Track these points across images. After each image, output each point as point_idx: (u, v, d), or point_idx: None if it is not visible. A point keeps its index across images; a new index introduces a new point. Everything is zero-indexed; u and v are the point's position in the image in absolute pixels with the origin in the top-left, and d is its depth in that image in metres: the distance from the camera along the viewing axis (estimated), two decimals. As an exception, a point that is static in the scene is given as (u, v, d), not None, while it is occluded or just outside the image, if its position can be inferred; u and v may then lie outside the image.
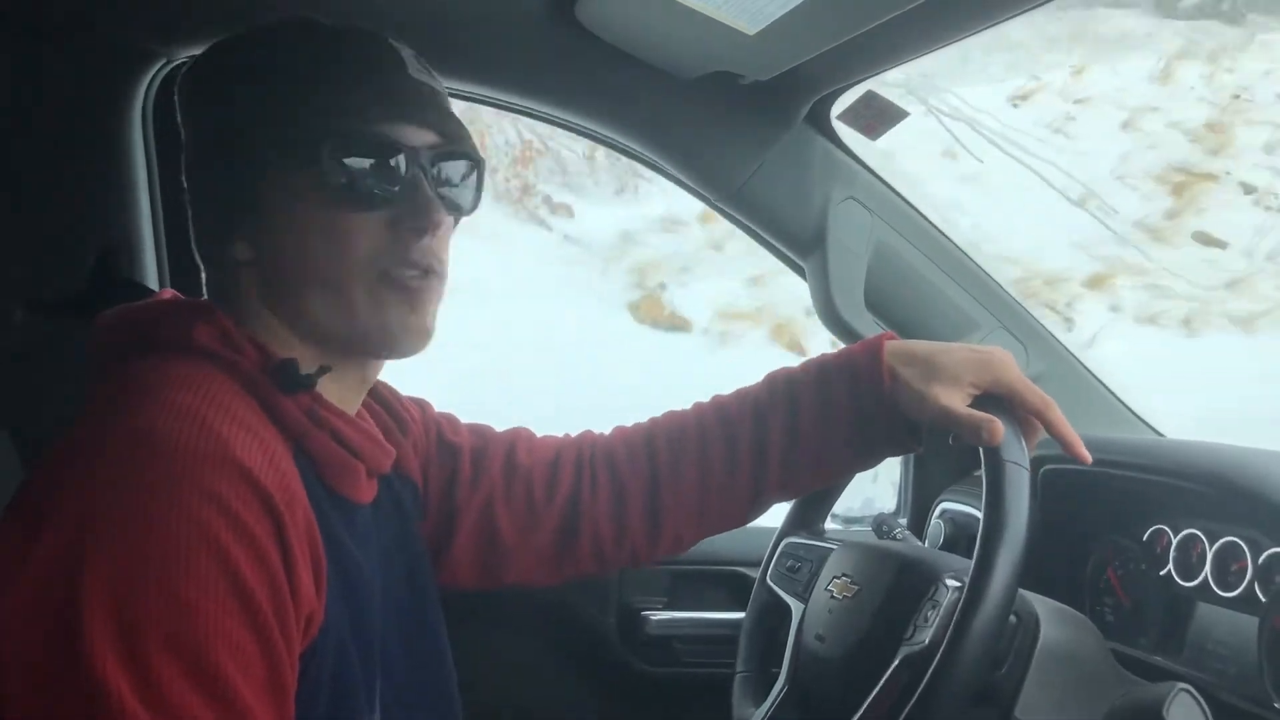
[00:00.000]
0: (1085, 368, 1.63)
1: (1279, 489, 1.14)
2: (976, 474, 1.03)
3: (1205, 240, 7.12)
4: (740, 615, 1.38)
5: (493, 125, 6.44)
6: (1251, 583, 1.16)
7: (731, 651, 1.36)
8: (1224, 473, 1.21)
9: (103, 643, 0.68)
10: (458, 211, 0.93)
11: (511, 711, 1.67)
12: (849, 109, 1.52)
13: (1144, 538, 1.32)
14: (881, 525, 1.51)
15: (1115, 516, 1.37)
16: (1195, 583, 1.23)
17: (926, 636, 1.02)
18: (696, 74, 1.46)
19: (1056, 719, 1.02)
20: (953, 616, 0.95)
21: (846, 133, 1.55)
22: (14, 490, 0.78)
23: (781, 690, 1.22)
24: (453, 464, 1.10)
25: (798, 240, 1.57)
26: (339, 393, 0.90)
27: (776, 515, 1.38)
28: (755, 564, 1.40)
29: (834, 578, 1.22)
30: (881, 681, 1.02)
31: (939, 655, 0.94)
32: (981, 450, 1.00)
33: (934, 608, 1.05)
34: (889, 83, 1.52)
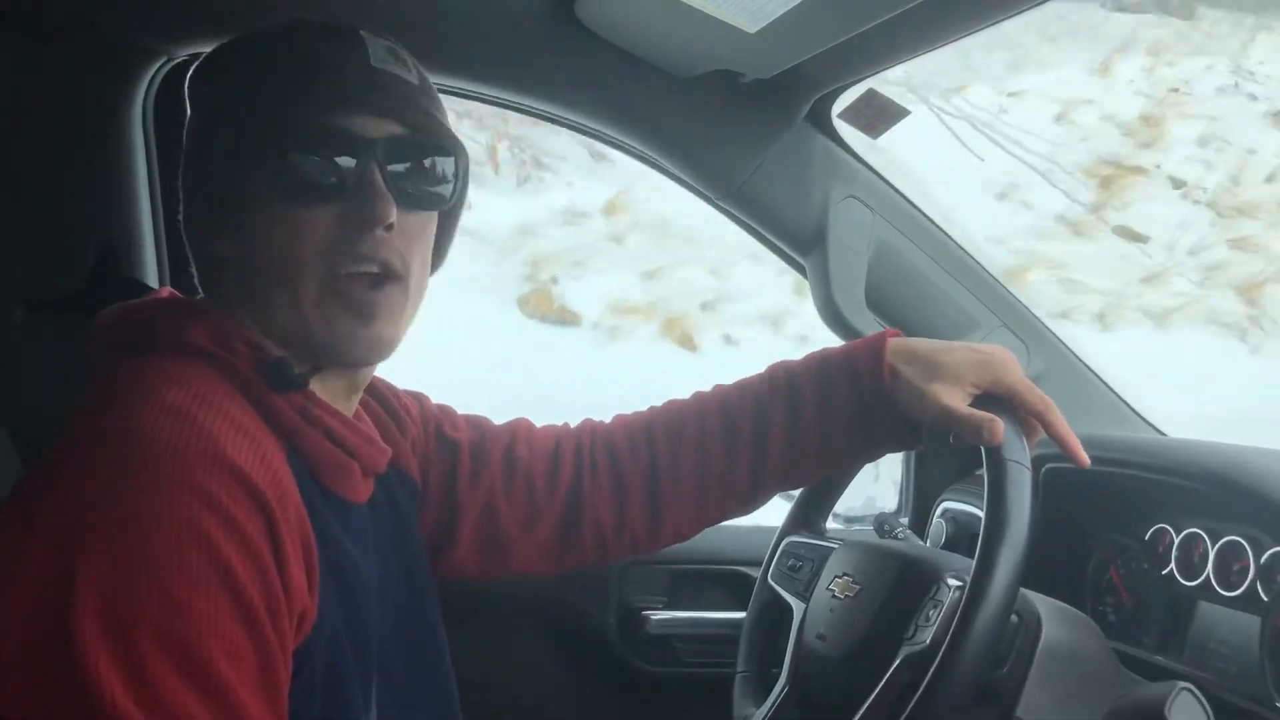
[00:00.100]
0: (1087, 366, 1.63)
1: (1281, 488, 1.14)
2: (978, 473, 1.03)
3: (1127, 234, 7.10)
4: (741, 615, 1.38)
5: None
6: (1253, 582, 1.15)
7: (732, 651, 1.36)
8: (1226, 472, 1.21)
9: (95, 641, 0.68)
10: (421, 206, 0.89)
11: (511, 711, 1.67)
12: (850, 107, 1.52)
13: (1146, 537, 1.32)
14: (883, 524, 1.50)
15: (1117, 516, 1.36)
16: (1197, 582, 1.23)
17: (928, 636, 1.02)
18: (697, 72, 1.46)
19: (1058, 718, 1.02)
20: (954, 616, 0.95)
21: (847, 131, 1.55)
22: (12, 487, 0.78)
23: (782, 690, 1.22)
24: (452, 460, 1.10)
25: (798, 239, 1.57)
26: (330, 394, 0.90)
27: (778, 514, 1.38)
28: (756, 563, 1.40)
29: (835, 577, 1.22)
30: (883, 681, 1.02)
31: (940, 654, 0.94)
32: (983, 449, 1.00)
33: (935, 607, 1.05)
34: (890, 81, 1.52)
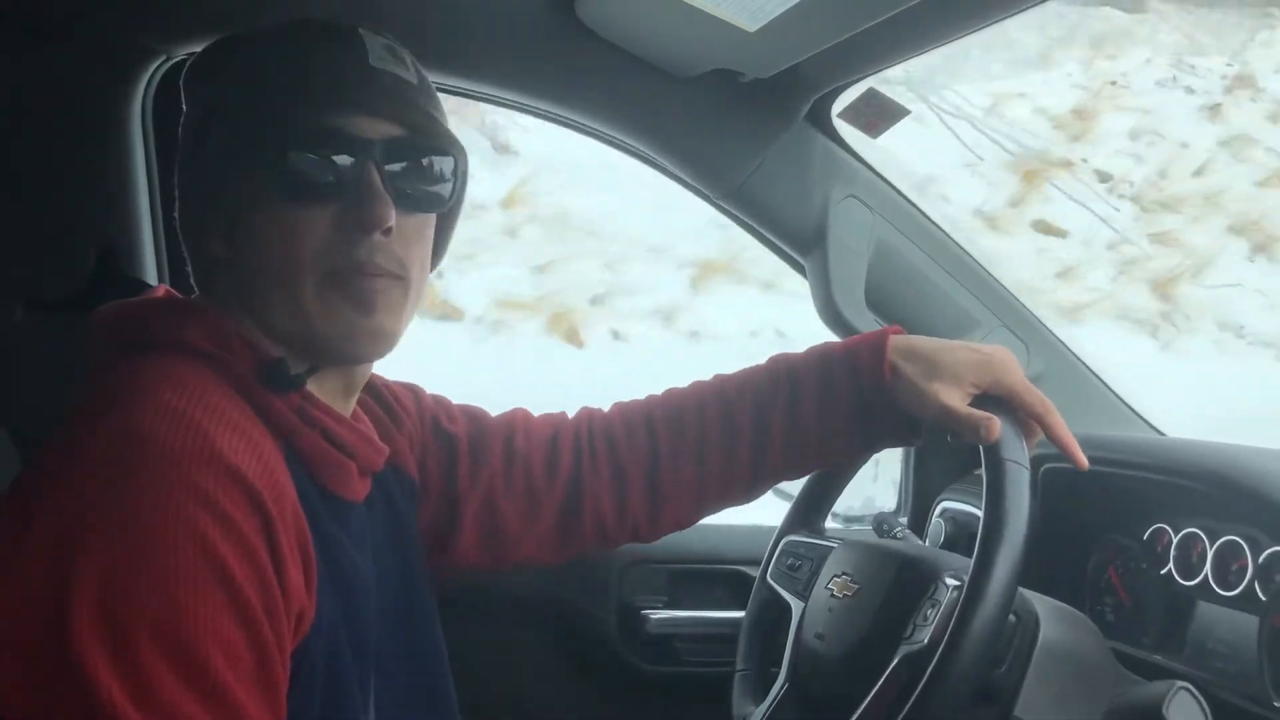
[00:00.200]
0: (1086, 366, 1.63)
1: (1279, 488, 1.14)
2: (977, 473, 1.03)
3: (1045, 229, 7.07)
4: (740, 614, 1.38)
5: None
6: (1252, 581, 1.15)
7: (731, 650, 1.36)
8: (1224, 472, 1.21)
9: (92, 640, 0.68)
10: (421, 208, 0.89)
11: (510, 710, 1.67)
12: (850, 107, 1.52)
13: (1144, 536, 1.32)
14: (882, 524, 1.50)
15: (1116, 515, 1.36)
16: (1195, 581, 1.23)
17: (926, 635, 1.02)
18: (697, 71, 1.46)
19: (1057, 718, 1.02)
20: (953, 615, 0.95)
21: (847, 130, 1.55)
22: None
23: (781, 689, 1.22)
24: (451, 455, 1.10)
25: (798, 238, 1.57)
26: (327, 393, 0.90)
27: (777, 514, 1.39)
28: (755, 562, 1.40)
29: (834, 576, 1.22)
30: (881, 680, 1.02)
31: (939, 654, 0.94)
32: (982, 449, 1.00)
33: (934, 606, 1.05)
34: (890, 80, 1.52)
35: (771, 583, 1.33)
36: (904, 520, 1.70)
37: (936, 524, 1.62)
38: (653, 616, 1.70)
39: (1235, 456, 1.23)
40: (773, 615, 1.33)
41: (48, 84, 1.40)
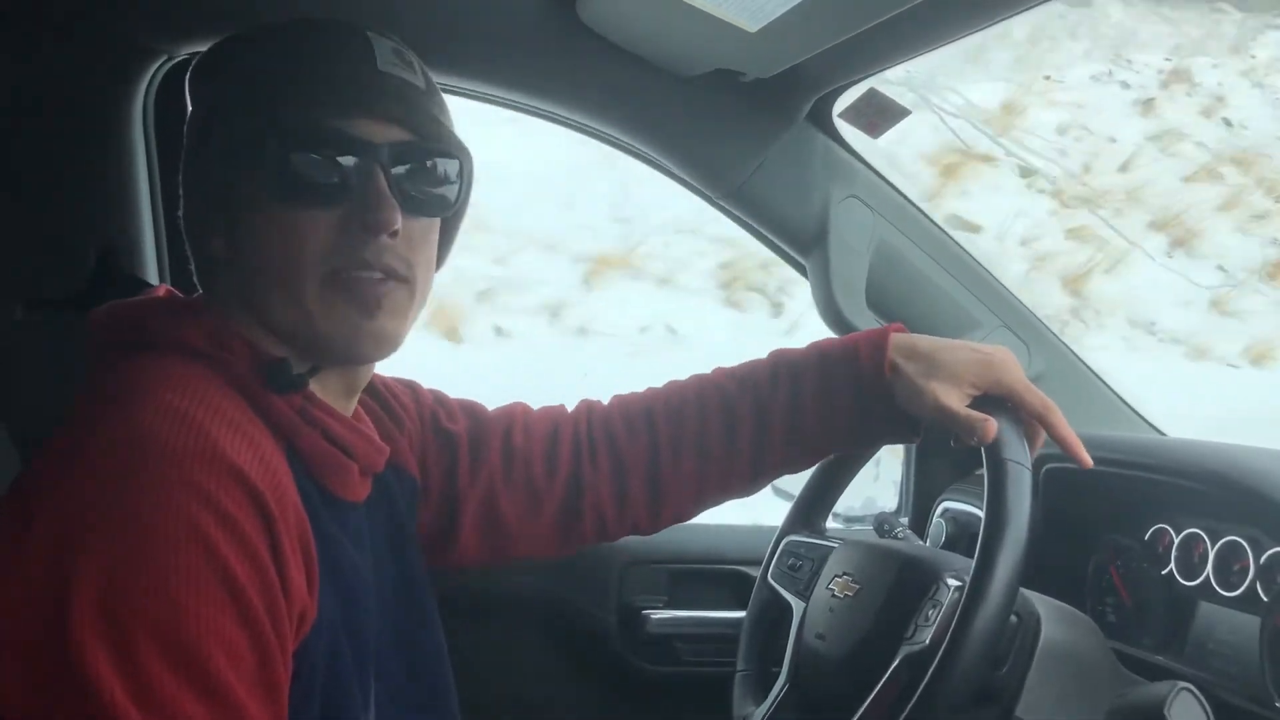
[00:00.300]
0: (1087, 367, 1.63)
1: (1281, 488, 1.14)
2: (978, 473, 1.03)
3: (958, 224, 6.95)
4: (741, 614, 1.38)
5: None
6: (1253, 582, 1.15)
7: (732, 650, 1.36)
8: (1226, 472, 1.21)
9: (94, 640, 0.68)
10: (427, 211, 0.89)
11: (511, 710, 1.67)
12: (851, 107, 1.52)
13: (1146, 537, 1.32)
14: (883, 524, 1.50)
15: (1117, 516, 1.36)
16: (1197, 582, 1.23)
17: (927, 636, 1.02)
18: (698, 71, 1.46)
19: (1058, 718, 1.02)
20: (954, 615, 0.95)
21: (848, 130, 1.55)
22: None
23: (782, 689, 1.22)
24: (451, 453, 1.10)
25: (799, 238, 1.56)
26: (329, 394, 0.90)
27: (777, 513, 1.38)
28: (756, 563, 1.39)
29: (835, 576, 1.22)
30: (882, 681, 1.02)
31: (940, 654, 0.94)
32: (983, 449, 1.00)
33: (935, 607, 1.05)
34: (890, 80, 1.52)
35: (772, 583, 1.33)
36: (905, 520, 1.70)
37: (937, 524, 1.62)
38: (653, 616, 1.70)
39: (1236, 457, 1.23)
40: (773, 615, 1.33)
41: (48, 83, 1.40)
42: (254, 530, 0.74)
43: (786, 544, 1.34)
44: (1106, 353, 6.40)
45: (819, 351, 1.12)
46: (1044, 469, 1.38)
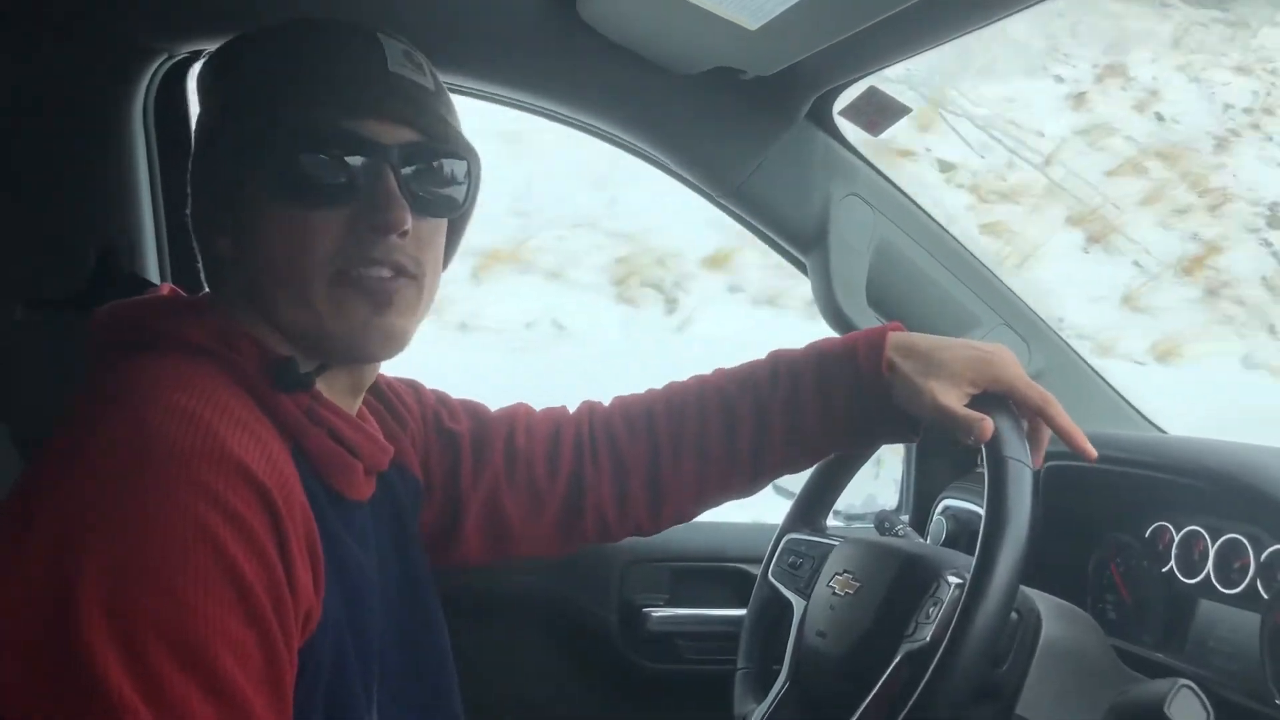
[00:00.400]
0: (1088, 364, 1.63)
1: (1281, 485, 1.14)
2: (979, 471, 1.03)
3: None
4: (742, 612, 1.38)
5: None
6: (1253, 580, 1.15)
7: (733, 648, 1.36)
8: (1226, 470, 1.21)
9: (101, 639, 0.68)
10: (436, 212, 0.89)
11: (513, 708, 1.67)
12: (851, 105, 1.52)
13: (1146, 534, 1.32)
14: (883, 522, 1.50)
15: (1117, 513, 1.36)
16: (1197, 580, 1.23)
17: (928, 633, 1.02)
18: (698, 69, 1.46)
19: (1058, 716, 1.02)
20: (955, 613, 0.95)
21: (848, 129, 1.55)
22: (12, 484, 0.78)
23: (783, 687, 1.22)
24: (454, 453, 1.10)
25: (799, 237, 1.56)
26: (335, 393, 0.90)
27: (778, 511, 1.39)
28: (757, 561, 1.40)
29: (835, 574, 1.22)
30: (883, 678, 1.02)
31: (940, 652, 0.94)
32: (983, 447, 1.00)
33: (935, 604, 1.05)
34: (890, 78, 1.52)
35: (773, 581, 1.33)
36: (905, 518, 1.70)
37: (938, 522, 1.62)
38: (654, 615, 1.70)
39: (1237, 454, 1.23)
40: (774, 613, 1.33)
41: (49, 83, 1.39)
42: (262, 529, 0.74)
43: (787, 542, 1.34)
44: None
45: (818, 351, 1.12)
46: (1044, 466, 1.38)
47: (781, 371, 1.12)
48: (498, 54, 1.46)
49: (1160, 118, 7.55)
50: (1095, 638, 1.09)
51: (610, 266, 6.16)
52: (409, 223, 0.85)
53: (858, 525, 1.70)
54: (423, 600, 1.00)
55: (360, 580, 0.87)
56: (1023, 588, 1.01)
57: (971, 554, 0.98)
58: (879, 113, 1.51)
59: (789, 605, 1.28)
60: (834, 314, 1.55)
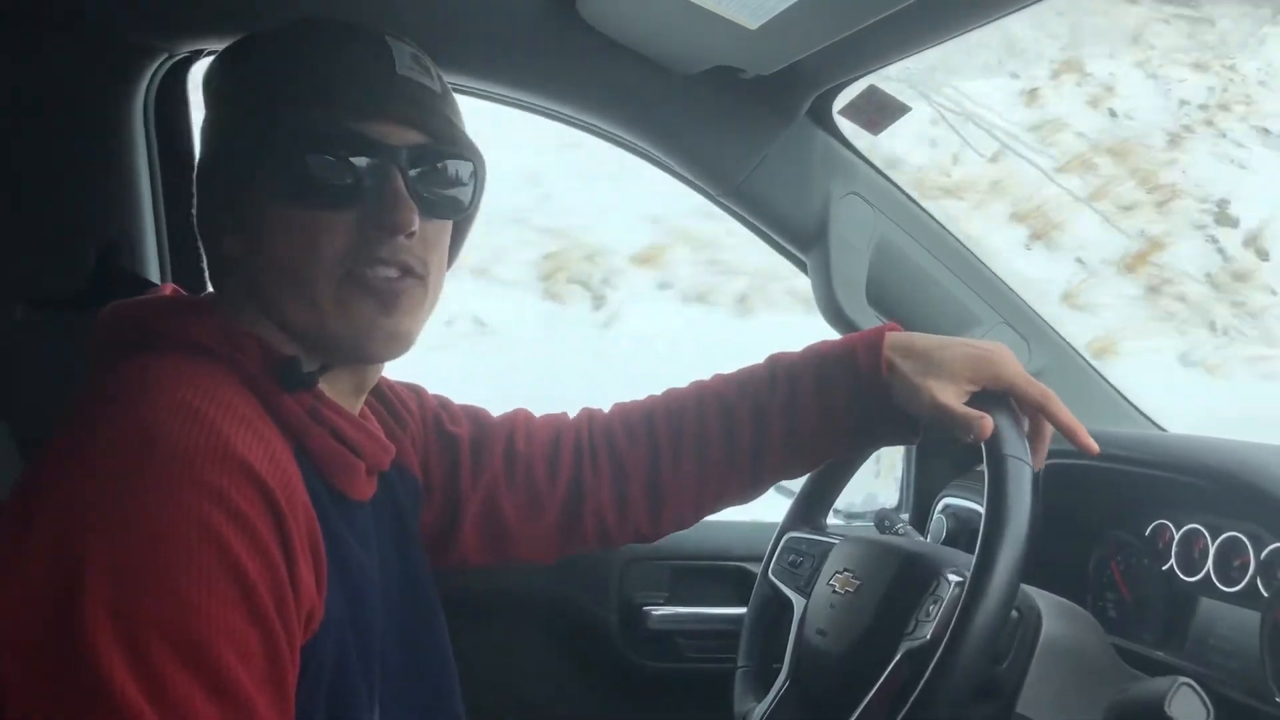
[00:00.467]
0: (1088, 363, 1.63)
1: (1281, 484, 1.14)
2: (979, 469, 1.03)
3: None
4: (742, 610, 1.38)
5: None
6: (1254, 578, 1.15)
7: (733, 646, 1.36)
8: (1226, 468, 1.21)
9: (104, 636, 0.68)
10: (442, 213, 0.90)
11: (513, 707, 1.67)
12: (851, 104, 1.52)
13: (1146, 533, 1.32)
14: (883, 520, 1.51)
15: (1117, 511, 1.37)
16: (1197, 578, 1.23)
17: (928, 631, 1.02)
18: (698, 69, 1.46)
19: (1058, 714, 1.02)
20: (955, 611, 0.95)
21: (849, 127, 1.55)
22: (13, 484, 0.78)
23: (783, 685, 1.23)
24: (453, 455, 1.10)
25: (799, 235, 1.57)
26: (338, 393, 0.90)
27: (778, 509, 1.39)
28: (757, 559, 1.40)
29: (836, 572, 1.22)
30: (883, 676, 1.02)
31: (940, 650, 0.95)
32: (983, 445, 1.00)
33: (935, 603, 1.05)
34: (891, 77, 1.52)
35: (773, 579, 1.33)
36: (906, 516, 1.70)
37: (938, 520, 1.62)
38: (654, 613, 1.70)
39: (1237, 453, 1.23)
40: (774, 612, 1.33)
41: (49, 82, 1.39)
42: (265, 528, 0.74)
43: (787, 540, 1.34)
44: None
45: (816, 354, 1.12)
46: (1044, 464, 1.38)
47: (780, 374, 1.12)
48: (498, 53, 1.46)
49: (1114, 114, 7.52)
50: (1095, 636, 1.09)
51: (538, 263, 6.15)
52: (417, 224, 0.86)
53: (858, 524, 1.70)
54: (424, 600, 1.00)
55: (362, 580, 0.88)
56: (1023, 586, 1.01)
57: (972, 552, 0.98)
58: (879, 111, 1.51)
59: (789, 603, 1.28)
60: (834, 313, 1.55)
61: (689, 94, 1.49)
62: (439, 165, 0.88)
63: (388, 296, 0.86)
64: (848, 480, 1.35)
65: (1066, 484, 1.37)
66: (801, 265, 1.61)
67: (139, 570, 0.70)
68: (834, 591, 1.20)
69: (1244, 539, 1.18)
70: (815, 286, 1.57)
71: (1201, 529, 1.24)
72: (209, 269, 0.92)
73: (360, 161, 0.84)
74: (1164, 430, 1.61)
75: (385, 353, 0.89)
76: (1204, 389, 5.88)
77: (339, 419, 0.88)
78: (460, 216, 0.93)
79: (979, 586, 0.94)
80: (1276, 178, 7.28)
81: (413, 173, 0.86)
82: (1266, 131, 7.54)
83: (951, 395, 1.02)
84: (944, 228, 1.59)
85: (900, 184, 1.59)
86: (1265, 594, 1.13)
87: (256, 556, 0.74)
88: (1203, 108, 7.61)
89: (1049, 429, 1.06)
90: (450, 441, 1.11)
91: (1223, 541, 1.20)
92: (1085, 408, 1.52)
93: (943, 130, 7.14)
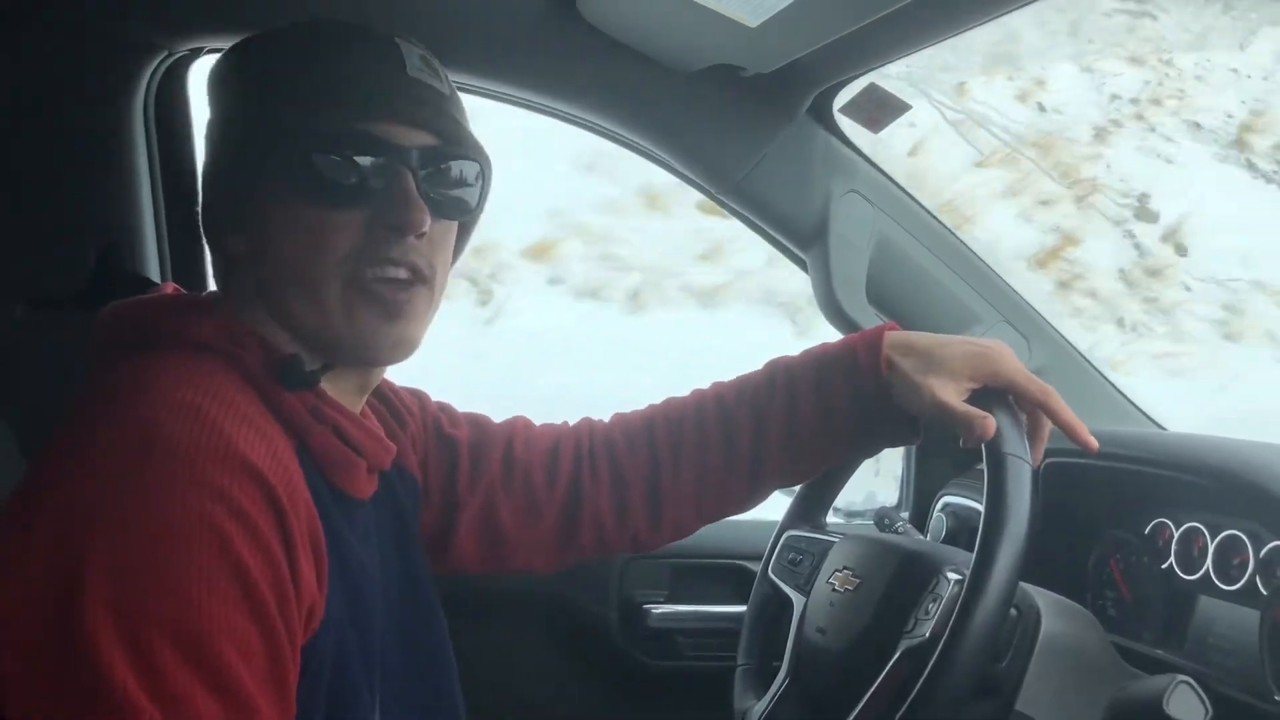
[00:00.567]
0: (1088, 361, 1.63)
1: (1281, 482, 1.14)
2: (979, 468, 1.03)
3: (710, 209, 6.63)
4: (742, 609, 1.38)
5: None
6: (1253, 576, 1.15)
7: (733, 645, 1.36)
8: (1226, 466, 1.21)
9: (105, 635, 0.69)
10: (450, 214, 0.91)
11: (513, 705, 1.67)
12: (851, 102, 1.52)
13: (1145, 531, 1.32)
14: (883, 518, 1.50)
15: (1117, 510, 1.37)
16: (1197, 576, 1.23)
17: (927, 629, 1.02)
18: (698, 67, 1.46)
19: (1057, 712, 1.02)
20: (954, 609, 0.95)
21: (849, 126, 1.55)
22: (14, 484, 0.78)
23: (783, 683, 1.23)
24: (452, 457, 1.10)
25: (799, 233, 1.57)
26: (340, 392, 0.90)
27: (778, 508, 1.39)
28: (757, 557, 1.40)
29: (835, 571, 1.22)
30: (882, 674, 1.02)
31: (940, 648, 0.95)
32: (983, 444, 1.00)
33: (935, 601, 1.05)
34: (891, 75, 1.52)
35: (773, 577, 1.33)
36: (905, 515, 1.70)
37: (938, 519, 1.62)
38: (654, 611, 1.70)
39: (1237, 451, 1.23)
40: (774, 610, 1.33)
41: (48, 80, 1.39)
42: (267, 525, 0.75)
43: (787, 539, 1.34)
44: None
45: (816, 356, 1.12)
46: (1044, 463, 1.38)
47: (779, 377, 1.12)
48: (498, 52, 1.46)
49: (1042, 108, 7.48)
50: (1095, 634, 1.09)
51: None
52: (428, 225, 0.86)
53: (858, 522, 1.70)
54: (424, 599, 1.00)
55: (362, 578, 0.88)
56: (1022, 584, 1.01)
57: (971, 551, 0.98)
58: (879, 109, 1.51)
59: (789, 602, 1.28)
60: (834, 311, 1.55)
61: (689, 92, 1.49)
62: (448, 166, 0.89)
63: (392, 306, 0.86)
64: (848, 479, 1.35)
65: (1066, 482, 1.37)
66: (801, 264, 1.61)
67: (140, 569, 0.70)
68: (834, 590, 1.20)
69: (1243, 537, 1.18)
70: (815, 285, 1.57)
71: (1201, 527, 1.24)
72: (214, 267, 0.92)
73: (372, 162, 0.85)
74: (1164, 429, 1.61)
75: (390, 358, 0.90)
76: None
77: (340, 418, 0.88)
78: (467, 218, 0.94)
79: (978, 584, 0.94)
80: (1203, 172, 7.24)
81: (422, 174, 0.87)
82: (1198, 126, 7.49)
83: (952, 393, 1.02)
84: (944, 226, 1.59)
85: (900, 182, 1.59)
86: (1264, 592, 1.13)
87: (258, 554, 0.74)
88: (1134, 101, 7.55)
89: (1047, 426, 1.06)
90: (449, 444, 1.11)
91: (1222, 540, 1.20)
92: (1085, 406, 1.52)
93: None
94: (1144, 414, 1.62)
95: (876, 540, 1.24)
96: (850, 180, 1.54)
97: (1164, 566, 1.28)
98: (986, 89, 7.35)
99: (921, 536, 1.63)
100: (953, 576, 1.06)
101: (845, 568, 1.21)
